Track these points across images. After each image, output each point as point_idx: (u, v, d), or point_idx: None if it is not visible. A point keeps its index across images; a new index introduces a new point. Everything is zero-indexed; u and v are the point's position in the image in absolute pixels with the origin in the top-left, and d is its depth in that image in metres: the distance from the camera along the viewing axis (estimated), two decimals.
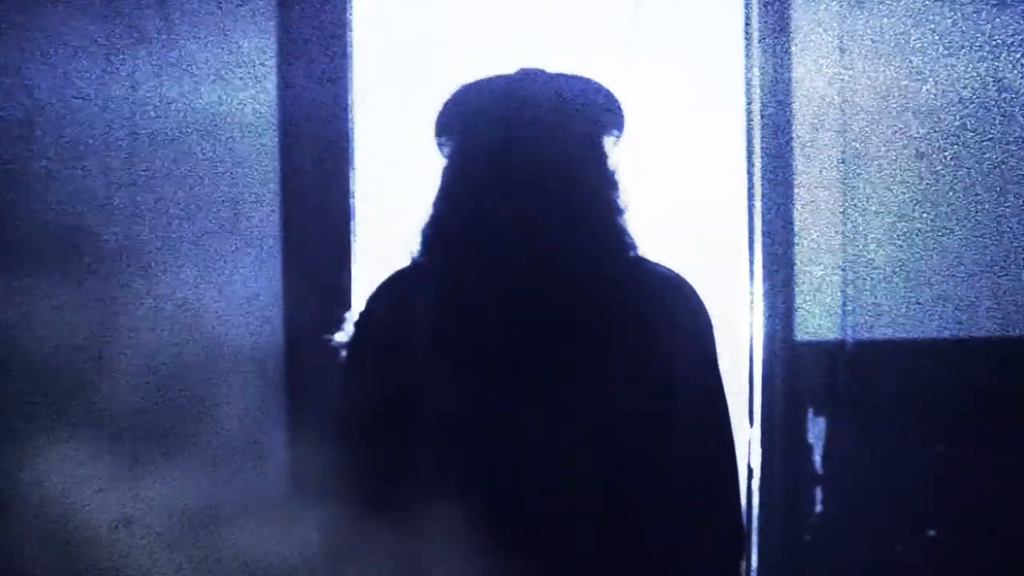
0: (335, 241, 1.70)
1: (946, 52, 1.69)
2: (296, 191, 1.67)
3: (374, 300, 1.08)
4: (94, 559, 1.65)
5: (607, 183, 1.07)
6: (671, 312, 1.04)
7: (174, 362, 1.67)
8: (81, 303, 1.65)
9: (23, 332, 1.65)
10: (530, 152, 1.03)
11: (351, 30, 1.69)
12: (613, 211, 1.06)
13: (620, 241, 1.06)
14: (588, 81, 1.12)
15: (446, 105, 1.10)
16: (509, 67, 1.11)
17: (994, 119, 1.69)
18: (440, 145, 1.12)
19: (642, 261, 1.07)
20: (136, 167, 1.65)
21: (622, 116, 1.13)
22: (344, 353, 1.09)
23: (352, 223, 1.72)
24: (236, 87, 1.65)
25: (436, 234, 1.06)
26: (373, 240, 2.17)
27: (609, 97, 1.12)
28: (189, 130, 1.66)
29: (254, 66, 1.65)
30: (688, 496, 1.02)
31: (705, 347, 1.05)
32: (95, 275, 1.65)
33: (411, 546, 0.98)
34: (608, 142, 1.11)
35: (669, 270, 1.08)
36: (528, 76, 1.09)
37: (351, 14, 1.69)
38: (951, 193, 1.70)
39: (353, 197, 1.72)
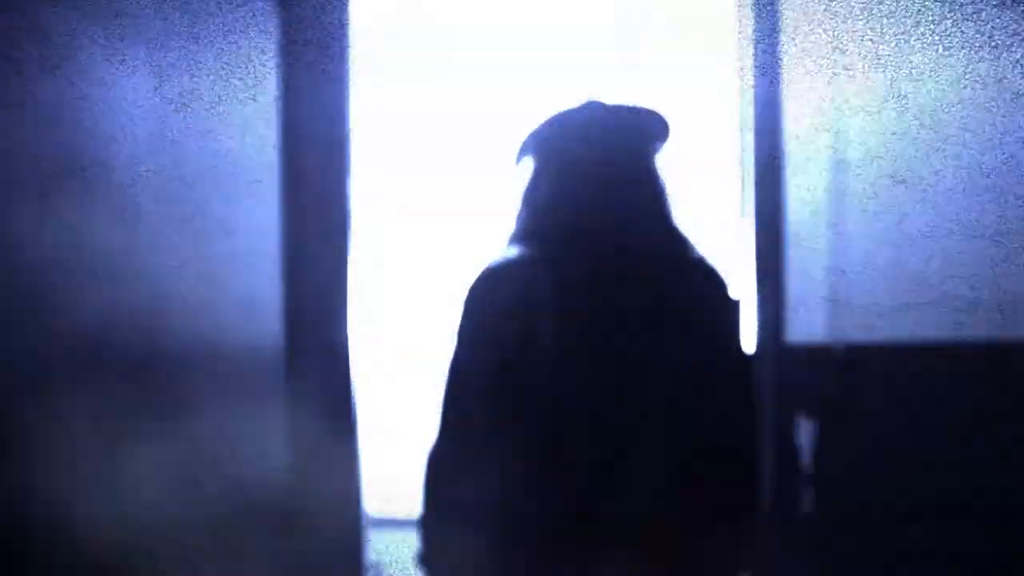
0: (334, 241, 1.70)
1: (946, 52, 1.69)
2: (295, 191, 1.68)
3: (493, 278, 1.24)
4: (79, 557, 1.66)
5: (664, 192, 1.29)
6: (727, 303, 1.26)
7: (174, 362, 1.67)
8: (81, 303, 1.65)
9: (23, 331, 1.65)
10: (608, 170, 1.26)
11: (350, 30, 1.69)
12: (672, 216, 1.28)
13: (684, 241, 1.28)
14: (643, 108, 1.33)
15: (529, 135, 1.32)
16: (575, 97, 1.33)
17: (994, 119, 1.69)
18: (524, 162, 1.34)
19: (703, 260, 1.28)
20: (136, 168, 1.66)
21: (669, 135, 1.35)
22: (466, 322, 1.24)
23: (350, 223, 1.71)
24: (236, 88, 1.65)
25: (536, 230, 1.27)
26: (370, 240, 2.18)
27: (659, 119, 1.33)
28: (189, 131, 1.66)
29: (254, 66, 1.66)
30: (725, 437, 1.23)
31: (740, 333, 1.28)
32: (95, 276, 1.66)
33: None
34: (659, 158, 1.33)
35: (714, 268, 1.28)
36: (594, 106, 1.32)
37: (350, 14, 1.69)
38: (951, 193, 1.70)
39: (351, 197, 1.72)
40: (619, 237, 1.23)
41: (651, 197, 1.28)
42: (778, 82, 1.71)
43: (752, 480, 1.28)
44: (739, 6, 1.77)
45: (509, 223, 1.32)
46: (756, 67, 1.72)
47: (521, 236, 1.29)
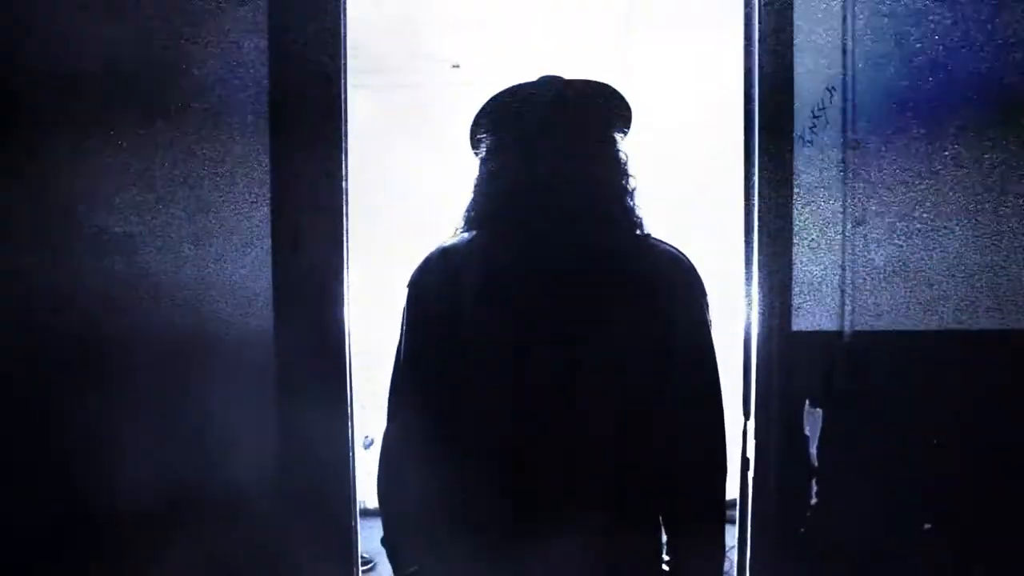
0: (328, 241, 1.69)
1: (946, 53, 1.69)
2: (290, 191, 1.67)
3: (429, 264, 1.26)
4: (85, 547, 1.66)
5: (618, 171, 1.27)
6: (672, 280, 1.23)
7: (173, 361, 1.67)
8: (82, 302, 1.65)
9: (23, 330, 1.65)
10: (555, 147, 1.23)
11: (344, 31, 1.68)
12: (624, 194, 1.26)
13: (630, 220, 1.26)
14: (600, 84, 1.31)
15: (481, 110, 1.30)
16: (531, 75, 1.32)
17: (994, 119, 1.69)
18: (477, 143, 1.33)
19: (649, 238, 1.26)
20: (136, 167, 1.65)
21: (630, 114, 1.33)
22: (405, 308, 1.26)
23: (345, 227, 1.71)
24: (236, 88, 1.65)
25: (480, 213, 1.26)
26: (365, 240, 2.16)
27: (617, 97, 1.31)
28: (189, 131, 1.66)
29: (253, 66, 1.65)
30: (679, 424, 1.21)
31: (700, 311, 1.24)
32: (96, 274, 1.65)
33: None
34: (617, 136, 1.31)
35: (672, 247, 1.27)
36: (549, 82, 1.30)
37: (346, 14, 1.69)
38: (951, 193, 1.70)
39: (347, 196, 1.71)
40: (565, 216, 1.21)
41: (604, 175, 1.26)
42: (788, 81, 1.70)
43: (709, 466, 1.24)
44: (747, 3, 1.76)
45: (464, 204, 1.32)
46: (762, 65, 1.71)
47: (471, 218, 1.29)
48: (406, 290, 1.28)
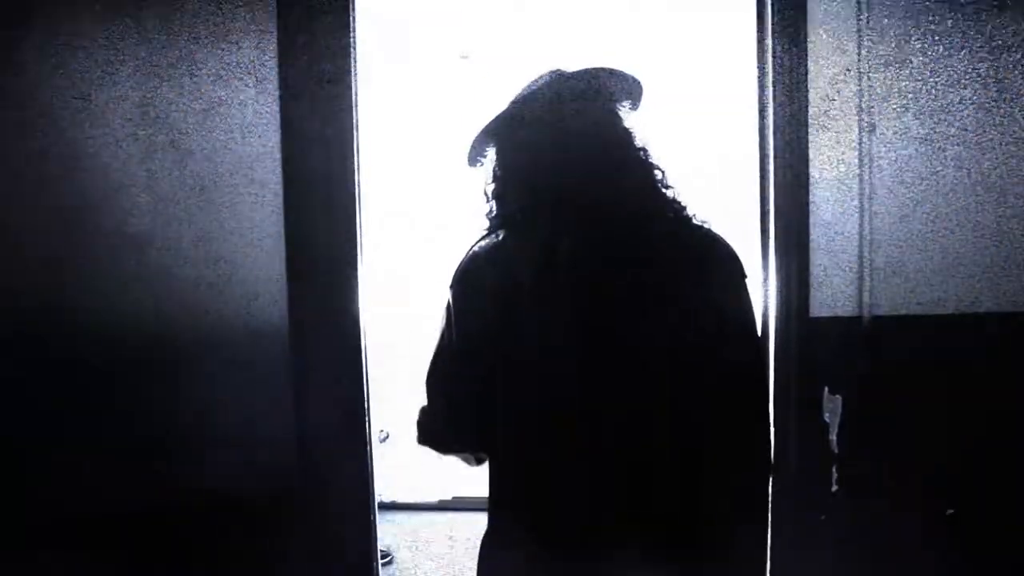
0: (340, 241, 1.68)
1: (946, 53, 1.69)
2: (299, 192, 1.67)
3: (476, 261, 1.27)
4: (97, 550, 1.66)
5: (639, 154, 1.28)
6: (708, 261, 1.23)
7: (175, 362, 1.67)
8: (82, 303, 1.65)
9: (22, 331, 1.64)
10: (574, 138, 1.24)
11: (353, 29, 1.68)
12: (651, 178, 1.27)
13: (661, 202, 1.27)
14: (600, 68, 1.31)
15: (496, 116, 1.32)
16: (540, 71, 1.34)
17: (994, 119, 1.69)
18: (492, 146, 1.34)
19: (683, 220, 1.26)
20: (136, 168, 1.65)
21: (639, 89, 1.34)
22: (452, 305, 1.27)
23: (358, 223, 1.70)
24: (237, 87, 1.65)
25: (512, 212, 1.28)
26: (379, 240, 2.16)
27: (628, 79, 1.32)
28: (190, 131, 1.65)
29: (255, 66, 1.65)
30: (722, 403, 1.20)
31: (742, 293, 1.24)
32: (95, 275, 1.65)
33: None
34: (633, 119, 1.31)
35: (707, 228, 1.27)
36: (559, 76, 1.31)
37: (353, 13, 1.68)
38: (951, 193, 1.70)
39: (359, 197, 1.70)
40: (600, 203, 1.22)
41: (629, 161, 1.27)
42: (803, 83, 1.69)
43: (758, 451, 1.25)
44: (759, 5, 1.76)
45: (489, 205, 1.34)
46: (776, 65, 1.70)
47: (501, 216, 1.30)
48: (450, 290, 1.28)
